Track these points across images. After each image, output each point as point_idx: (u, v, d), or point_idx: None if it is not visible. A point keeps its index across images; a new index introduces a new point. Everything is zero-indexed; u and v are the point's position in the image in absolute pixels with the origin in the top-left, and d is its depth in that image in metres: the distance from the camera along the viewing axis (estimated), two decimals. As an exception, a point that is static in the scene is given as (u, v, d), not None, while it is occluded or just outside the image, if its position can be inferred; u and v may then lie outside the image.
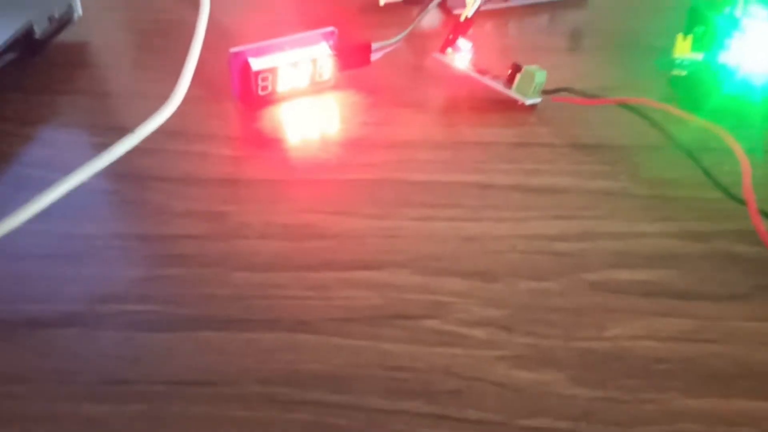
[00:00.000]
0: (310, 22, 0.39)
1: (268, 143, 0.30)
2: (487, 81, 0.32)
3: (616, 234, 0.25)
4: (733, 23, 0.31)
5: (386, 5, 0.40)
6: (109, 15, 0.39)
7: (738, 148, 0.24)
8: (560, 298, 0.22)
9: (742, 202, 0.23)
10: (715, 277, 0.23)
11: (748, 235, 0.23)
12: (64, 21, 0.35)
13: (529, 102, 0.31)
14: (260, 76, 0.32)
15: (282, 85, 0.32)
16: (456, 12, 0.38)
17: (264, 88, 0.32)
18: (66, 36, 0.36)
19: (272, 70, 0.32)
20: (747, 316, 0.21)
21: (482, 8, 0.38)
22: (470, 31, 0.33)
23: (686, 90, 0.32)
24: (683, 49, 0.32)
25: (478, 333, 0.21)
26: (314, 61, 0.32)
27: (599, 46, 0.36)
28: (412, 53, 0.35)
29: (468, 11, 0.33)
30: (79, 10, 0.36)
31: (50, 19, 0.34)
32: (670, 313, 0.21)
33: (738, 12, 0.31)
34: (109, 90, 0.34)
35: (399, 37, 0.34)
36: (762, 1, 0.32)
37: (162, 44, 0.36)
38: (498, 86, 0.32)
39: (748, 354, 0.20)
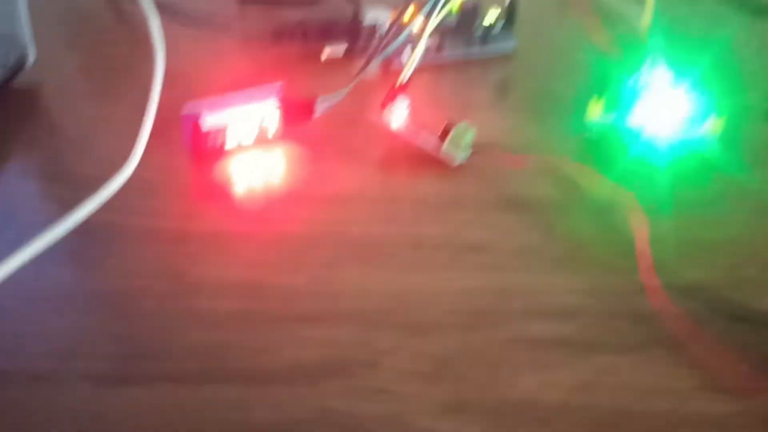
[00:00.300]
0: (255, 75, 0.42)
1: (218, 198, 0.32)
2: (420, 140, 0.35)
3: (530, 289, 0.28)
4: (639, 88, 0.35)
5: (328, 60, 0.42)
6: (64, 59, 0.41)
7: (638, 209, 0.28)
8: (480, 352, 0.25)
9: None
10: (615, 331, 0.26)
11: (645, 290, 0.26)
12: (18, 67, 0.37)
13: (458, 159, 0.34)
14: (210, 134, 0.34)
15: (231, 141, 0.35)
16: (396, 66, 0.41)
17: (214, 143, 0.34)
18: (20, 81, 0.37)
19: (222, 127, 0.34)
20: (638, 367, 0.25)
21: (417, 64, 0.41)
22: (404, 94, 0.36)
23: (598, 150, 0.35)
24: (595, 112, 0.35)
25: (406, 386, 0.24)
26: (262, 116, 0.35)
27: (524, 102, 0.40)
28: (354, 106, 0.38)
29: (404, 76, 0.36)
30: (32, 55, 0.38)
31: (3, 66, 0.36)
32: (573, 365, 0.25)
33: (643, 77, 0.35)
34: (65, 138, 0.36)
35: (342, 93, 0.37)
36: (670, 65, 0.35)
37: (117, 90, 0.38)
38: (430, 145, 0.35)
39: (635, 402, 0.24)
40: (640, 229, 0.27)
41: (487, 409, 0.23)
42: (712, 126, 0.34)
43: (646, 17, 0.33)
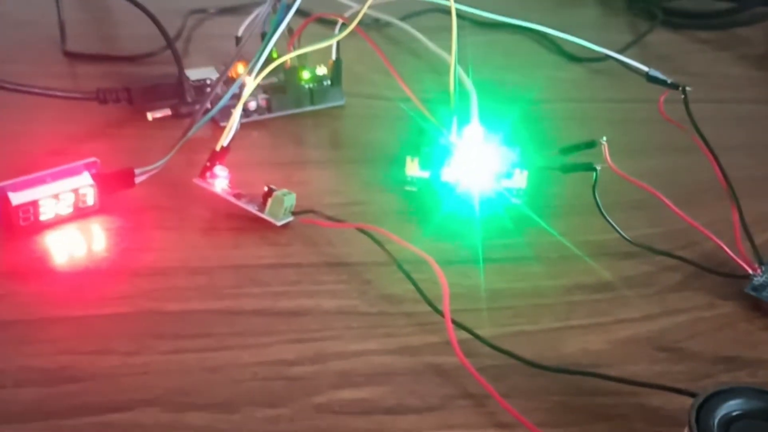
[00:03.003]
0: (77, 141, 0.41)
1: (26, 278, 0.31)
2: (242, 204, 0.35)
3: (344, 354, 0.28)
4: (450, 146, 0.37)
5: (155, 120, 0.42)
6: None
7: (437, 268, 0.29)
8: (289, 423, 0.26)
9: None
10: (419, 391, 0.27)
11: (449, 346, 0.28)
12: None
13: (280, 223, 0.35)
14: (21, 209, 0.33)
15: (45, 215, 0.34)
16: (222, 124, 0.41)
17: (26, 219, 0.33)
18: None
19: (33, 203, 0.33)
20: (438, 426, 0.26)
21: (244, 121, 0.42)
22: (226, 157, 0.36)
23: (416, 204, 0.37)
24: (412, 168, 0.37)
25: (215, 467, 0.24)
26: (76, 190, 0.34)
27: (349, 158, 0.41)
28: (180, 169, 0.38)
29: (223, 140, 0.36)
30: None
31: None
32: (378, 430, 0.26)
33: (453, 136, 0.37)
34: None
35: (163, 161, 0.37)
36: (480, 122, 0.38)
37: None
38: (252, 209, 0.35)
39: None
40: (443, 289, 0.29)
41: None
42: (520, 179, 0.36)
43: (451, 80, 0.35)
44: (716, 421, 0.24)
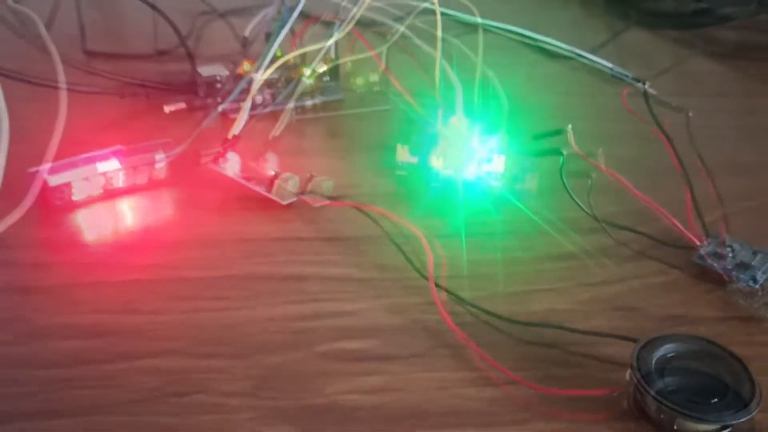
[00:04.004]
0: (101, 131, 0.45)
1: (64, 250, 0.36)
2: (252, 186, 0.40)
3: (341, 312, 0.33)
4: (436, 134, 0.41)
5: (171, 112, 0.46)
6: None
7: (424, 240, 0.34)
8: (295, 367, 0.30)
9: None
10: (406, 342, 0.31)
11: (433, 306, 0.32)
12: None
13: (285, 203, 0.39)
14: (56, 190, 0.37)
15: (77, 195, 0.38)
16: (233, 116, 0.45)
17: (60, 198, 0.38)
18: None
19: (67, 185, 0.38)
20: (422, 369, 0.30)
21: (253, 113, 0.46)
22: (237, 144, 0.41)
23: (407, 187, 0.41)
24: (402, 155, 0.41)
25: (234, 401, 0.28)
26: (105, 174, 0.39)
27: (347, 146, 0.45)
28: (195, 157, 0.42)
29: (235, 129, 0.41)
30: None
31: None
32: (371, 373, 0.30)
33: (438, 125, 0.41)
34: None
35: (179, 148, 0.41)
36: (464, 113, 0.42)
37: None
38: (260, 191, 0.39)
39: (421, 397, 0.29)
40: (429, 256, 0.33)
41: (297, 414, 0.28)
42: (498, 164, 0.41)
43: (436, 76, 0.39)
44: (654, 360, 0.28)
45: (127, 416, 0.28)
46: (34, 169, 0.37)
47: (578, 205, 0.38)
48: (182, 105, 0.46)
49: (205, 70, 0.49)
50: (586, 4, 0.68)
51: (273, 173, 0.39)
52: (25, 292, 0.33)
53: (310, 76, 0.49)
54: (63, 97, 0.46)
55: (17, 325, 0.31)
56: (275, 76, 0.49)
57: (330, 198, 0.38)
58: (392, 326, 0.32)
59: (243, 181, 0.40)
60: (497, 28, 0.53)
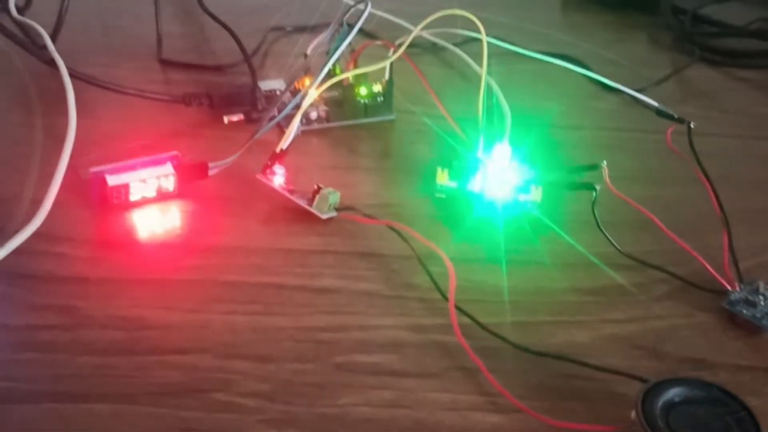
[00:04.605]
0: (164, 137, 0.48)
1: (116, 246, 0.38)
2: (295, 199, 0.42)
3: (364, 326, 0.34)
4: (477, 160, 0.42)
5: (230, 123, 0.49)
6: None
7: (449, 262, 0.35)
8: (313, 375, 0.32)
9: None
10: (422, 360, 0.33)
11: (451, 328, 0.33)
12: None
13: (324, 216, 0.41)
14: (114, 190, 0.40)
15: (134, 196, 0.41)
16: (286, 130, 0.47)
17: (118, 198, 0.41)
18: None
19: (125, 186, 0.40)
20: (434, 389, 0.31)
21: (305, 129, 0.48)
22: (284, 158, 0.43)
23: (446, 210, 0.42)
24: (442, 178, 0.43)
25: (250, 402, 0.30)
26: (160, 177, 0.41)
27: (391, 167, 0.47)
28: (248, 166, 0.44)
29: (283, 144, 0.43)
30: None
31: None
32: (384, 387, 0.31)
33: (479, 152, 0.42)
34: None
35: (233, 157, 0.43)
36: (504, 141, 0.43)
37: (28, 149, 0.44)
38: (302, 203, 0.41)
39: (429, 415, 0.30)
40: (451, 278, 0.34)
41: (308, 421, 0.30)
42: (536, 193, 0.41)
43: (480, 104, 0.40)
44: (660, 404, 0.28)
45: (149, 407, 0.30)
46: (96, 169, 0.40)
47: (608, 239, 0.38)
48: (240, 116, 0.49)
49: (266, 84, 0.51)
50: (655, 41, 0.68)
51: (315, 187, 0.41)
52: (78, 282, 0.36)
53: (365, 96, 0.51)
54: (132, 103, 0.50)
55: (66, 313, 0.34)
56: (336, 93, 0.50)
57: (366, 216, 0.40)
58: (412, 344, 0.34)
59: (286, 194, 0.42)
60: (556, 56, 0.54)
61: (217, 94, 0.51)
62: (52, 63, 0.49)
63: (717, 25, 0.67)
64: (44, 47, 0.52)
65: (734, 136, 0.51)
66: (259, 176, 0.43)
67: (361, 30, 0.46)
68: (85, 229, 0.39)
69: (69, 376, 0.31)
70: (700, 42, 0.64)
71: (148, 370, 0.31)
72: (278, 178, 0.43)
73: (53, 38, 0.54)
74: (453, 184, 0.43)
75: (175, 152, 0.42)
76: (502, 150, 0.43)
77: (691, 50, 0.63)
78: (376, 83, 0.51)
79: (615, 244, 0.38)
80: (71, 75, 0.48)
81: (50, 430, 0.29)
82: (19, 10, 0.61)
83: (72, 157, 0.41)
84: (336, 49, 0.44)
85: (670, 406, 0.28)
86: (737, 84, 0.60)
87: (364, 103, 0.51)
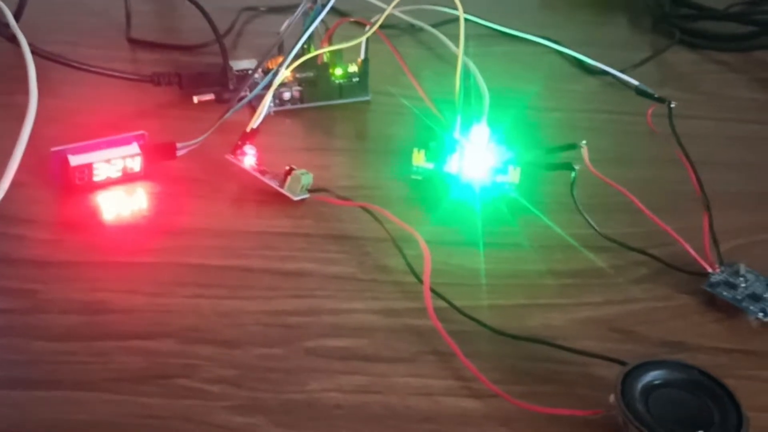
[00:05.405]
0: (131, 117, 0.47)
1: (78, 228, 0.37)
2: (266, 180, 0.40)
3: (335, 310, 0.33)
4: (454, 141, 0.41)
5: (200, 103, 0.47)
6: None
7: (424, 245, 0.34)
8: (281, 361, 0.30)
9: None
10: (395, 345, 0.31)
11: (427, 312, 0.32)
12: None
13: (296, 198, 0.39)
14: (77, 170, 0.39)
15: (98, 176, 0.39)
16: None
17: (81, 179, 0.39)
18: None
19: (88, 166, 0.39)
20: (406, 373, 0.30)
21: (278, 110, 0.47)
22: (255, 138, 0.41)
23: (421, 192, 0.41)
24: (418, 159, 0.41)
25: (214, 388, 0.29)
26: (125, 157, 0.40)
27: (366, 148, 0.46)
28: (215, 147, 0.43)
29: (253, 123, 0.41)
30: None
31: None
32: (354, 372, 0.30)
33: (456, 133, 0.41)
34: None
35: (202, 137, 0.42)
36: (481, 122, 0.42)
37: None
38: (274, 184, 0.40)
39: (400, 401, 0.29)
40: (426, 261, 0.33)
41: (275, 407, 0.28)
42: (514, 174, 0.40)
43: (457, 84, 0.39)
44: (639, 386, 0.27)
45: (108, 393, 0.28)
46: (57, 148, 0.38)
47: (588, 221, 0.37)
48: (211, 96, 0.47)
49: (238, 64, 0.50)
50: (635, 23, 0.67)
51: (287, 168, 0.40)
52: (37, 265, 0.34)
53: (340, 77, 0.49)
54: (99, 82, 0.48)
55: (23, 296, 0.32)
56: (310, 74, 0.49)
57: (339, 197, 0.38)
58: (384, 328, 0.32)
59: (257, 175, 0.40)
60: (533, 41, 0.52)
61: (186, 74, 0.49)
62: (14, 40, 0.47)
63: (696, 8, 0.66)
64: (7, 25, 0.50)
65: (713, 118, 0.51)
66: (228, 156, 0.42)
67: (335, 9, 0.44)
68: (46, 211, 0.38)
69: (24, 362, 0.29)
70: (680, 25, 0.63)
71: (107, 356, 0.30)
72: (249, 158, 0.41)
73: (18, 16, 0.52)
74: (429, 166, 0.41)
75: (141, 132, 0.40)
76: (480, 131, 0.42)
77: (670, 33, 0.62)
78: (351, 64, 0.50)
79: (594, 225, 0.37)
80: (34, 52, 0.46)
81: (3, 418, 0.27)
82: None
83: (32, 137, 0.39)
84: (309, 26, 0.43)
85: (650, 389, 0.28)
86: (717, 67, 0.60)
87: (339, 83, 0.49)
